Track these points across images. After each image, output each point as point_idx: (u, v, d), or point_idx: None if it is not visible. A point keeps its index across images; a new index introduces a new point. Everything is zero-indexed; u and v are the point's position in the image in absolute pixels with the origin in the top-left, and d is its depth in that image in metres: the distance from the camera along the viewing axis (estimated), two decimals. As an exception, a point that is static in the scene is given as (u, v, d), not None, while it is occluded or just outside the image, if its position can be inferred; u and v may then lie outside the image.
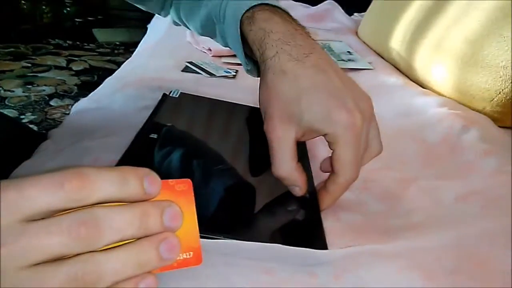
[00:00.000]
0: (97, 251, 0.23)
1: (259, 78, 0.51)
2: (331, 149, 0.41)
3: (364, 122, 0.40)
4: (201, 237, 0.27)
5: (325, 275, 0.35)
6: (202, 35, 0.59)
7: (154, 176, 0.25)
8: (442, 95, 0.77)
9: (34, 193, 0.22)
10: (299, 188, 0.43)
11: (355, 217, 0.44)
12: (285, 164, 0.41)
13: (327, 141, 0.41)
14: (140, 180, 0.24)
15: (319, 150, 0.55)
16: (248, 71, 0.53)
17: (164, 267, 0.25)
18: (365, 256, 0.38)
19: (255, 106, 0.65)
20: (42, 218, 0.22)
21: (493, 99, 0.69)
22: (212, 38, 0.58)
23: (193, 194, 0.27)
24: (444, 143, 0.60)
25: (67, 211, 0.23)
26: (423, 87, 0.81)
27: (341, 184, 0.41)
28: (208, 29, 0.55)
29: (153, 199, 0.25)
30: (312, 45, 0.43)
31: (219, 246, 0.37)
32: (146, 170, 0.25)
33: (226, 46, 0.54)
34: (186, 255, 0.26)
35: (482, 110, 0.71)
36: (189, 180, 0.27)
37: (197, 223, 0.27)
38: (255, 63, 0.51)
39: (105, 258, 0.23)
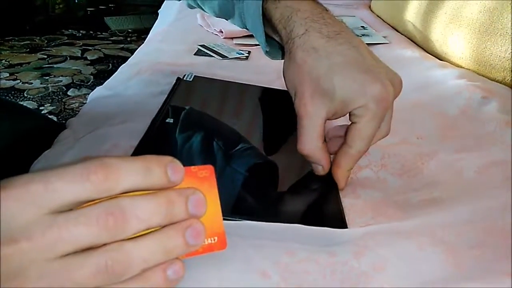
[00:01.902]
0: (124, 240, 0.23)
1: (273, 59, 0.51)
2: (353, 121, 0.40)
3: (393, 97, 0.40)
4: (223, 219, 0.27)
5: (345, 254, 0.35)
6: (218, 16, 0.58)
7: (177, 164, 0.25)
8: (460, 67, 0.75)
9: (60, 185, 0.22)
10: (322, 167, 0.42)
11: (374, 194, 0.44)
12: (312, 142, 0.41)
13: (352, 114, 0.40)
14: (163, 169, 0.25)
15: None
16: (267, 52, 0.52)
17: (190, 253, 0.26)
18: (385, 233, 0.38)
19: (269, 86, 0.65)
20: (70, 210, 0.23)
21: (514, 68, 0.66)
22: (228, 19, 0.57)
23: (215, 179, 0.27)
24: (463, 115, 0.58)
25: (93, 202, 0.23)
26: (440, 59, 0.79)
27: (353, 156, 0.41)
28: (226, 10, 0.54)
29: (176, 187, 0.25)
30: (341, 24, 0.43)
31: (241, 228, 0.37)
32: (169, 158, 0.25)
33: (244, 27, 0.53)
34: (211, 240, 0.27)
35: (502, 81, 0.69)
36: (211, 166, 0.27)
37: (220, 209, 0.27)
38: (274, 44, 0.50)
39: (132, 246, 0.23)
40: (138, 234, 0.24)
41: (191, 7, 0.64)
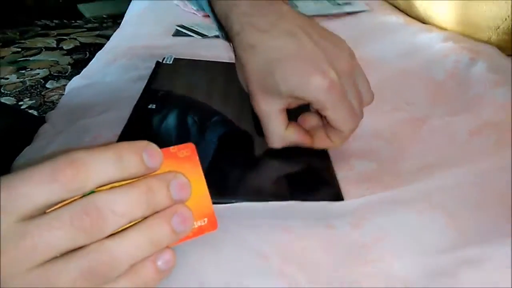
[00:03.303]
0: (106, 238, 0.22)
1: None
2: (322, 115, 0.39)
3: (343, 78, 0.38)
4: (214, 203, 0.26)
5: (343, 226, 0.35)
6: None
7: (153, 147, 0.23)
8: (446, 29, 0.73)
9: (26, 190, 0.20)
10: (306, 145, 0.42)
11: (368, 164, 0.43)
12: (278, 135, 0.41)
13: (315, 109, 0.40)
14: (138, 155, 0.23)
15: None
16: (222, 37, 0.50)
17: (181, 239, 0.24)
18: (382, 203, 0.37)
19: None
20: (43, 213, 0.21)
21: (499, 26, 0.65)
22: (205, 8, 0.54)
23: (197, 158, 0.25)
24: (452, 79, 0.57)
25: (66, 202, 0.21)
26: (425, 23, 0.78)
27: (346, 137, 0.41)
28: None
29: (156, 172, 0.24)
30: (280, 11, 0.40)
31: (233, 210, 0.36)
32: (143, 143, 0.23)
33: (201, 9, 0.51)
34: (201, 222, 0.25)
35: (488, 40, 0.68)
36: (191, 144, 0.25)
37: (206, 188, 0.25)
38: None
39: (116, 243, 0.22)
40: (121, 229, 0.22)
41: None
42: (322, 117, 0.41)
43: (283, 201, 0.37)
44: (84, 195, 0.22)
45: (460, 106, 0.52)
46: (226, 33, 0.45)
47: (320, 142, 0.42)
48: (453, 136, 0.47)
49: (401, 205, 0.37)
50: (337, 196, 0.39)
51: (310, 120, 0.43)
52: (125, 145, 0.23)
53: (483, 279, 0.30)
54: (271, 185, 0.41)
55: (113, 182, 0.22)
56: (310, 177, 0.43)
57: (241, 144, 0.46)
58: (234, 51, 0.42)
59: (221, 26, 0.46)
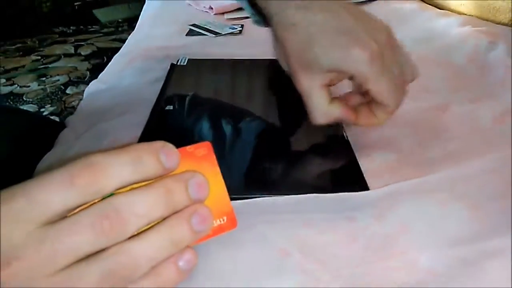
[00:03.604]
0: (127, 240, 0.22)
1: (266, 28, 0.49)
2: (365, 89, 0.39)
3: (384, 51, 0.38)
4: (232, 199, 0.26)
5: (365, 217, 0.34)
6: None
7: (170, 147, 0.23)
8: (463, 14, 0.72)
9: (44, 196, 0.20)
10: (346, 120, 0.41)
11: (389, 155, 0.42)
12: (321, 110, 0.40)
13: (357, 83, 0.39)
14: (155, 156, 0.23)
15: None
16: (256, 22, 0.50)
17: (200, 239, 0.24)
18: (404, 193, 0.36)
19: (264, 58, 0.63)
20: (63, 218, 0.21)
21: (520, 7, 0.63)
22: None
23: (214, 156, 0.25)
24: (472, 63, 0.56)
25: (86, 206, 0.21)
26: (441, 9, 0.76)
27: (391, 112, 0.40)
28: None
29: (174, 171, 0.24)
30: None
31: (253, 206, 0.36)
32: (160, 143, 0.23)
33: None
34: (220, 220, 0.25)
35: (509, 23, 0.66)
36: (208, 142, 0.25)
37: (225, 186, 0.25)
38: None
39: (137, 245, 0.22)
40: (141, 230, 0.22)
41: None
42: (365, 94, 0.41)
43: (306, 193, 0.37)
44: (103, 198, 0.22)
45: (481, 92, 0.50)
46: (262, 17, 0.46)
47: (364, 119, 0.41)
48: (475, 124, 0.46)
49: (423, 195, 0.36)
50: (363, 185, 0.38)
51: (353, 98, 0.42)
52: (142, 146, 0.23)
53: (508, 269, 0.29)
54: (291, 178, 0.41)
55: (131, 184, 0.22)
56: (332, 167, 0.43)
57: (277, 141, 0.46)
58: (273, 32, 0.42)
59: (255, 12, 0.46)
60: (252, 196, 0.37)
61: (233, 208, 0.25)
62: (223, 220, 0.25)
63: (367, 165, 0.41)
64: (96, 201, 0.22)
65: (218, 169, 0.25)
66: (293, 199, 0.37)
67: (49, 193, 0.20)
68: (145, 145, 0.23)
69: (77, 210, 0.21)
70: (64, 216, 0.21)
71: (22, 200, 0.20)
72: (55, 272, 0.20)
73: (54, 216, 0.21)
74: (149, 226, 0.23)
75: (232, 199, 0.26)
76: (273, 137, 0.46)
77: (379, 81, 0.38)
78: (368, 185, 0.39)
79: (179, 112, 0.50)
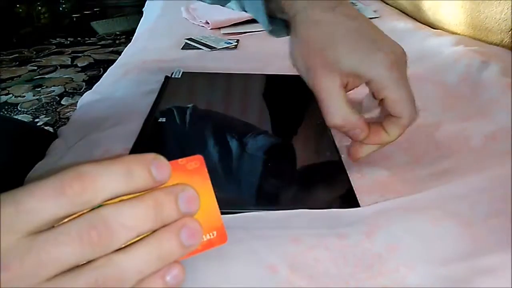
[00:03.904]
0: (114, 252, 0.21)
1: (278, 37, 0.50)
2: (382, 97, 0.39)
3: (401, 64, 0.39)
4: (222, 213, 0.25)
5: (356, 235, 0.34)
6: (213, 3, 0.56)
7: (162, 160, 0.23)
8: (456, 33, 0.73)
9: (33, 205, 0.20)
10: (360, 130, 0.40)
11: (380, 172, 0.42)
12: (340, 111, 0.39)
13: (374, 90, 0.39)
14: (146, 168, 0.22)
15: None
16: (270, 32, 0.50)
17: (189, 253, 0.24)
18: (396, 210, 0.36)
19: (258, 73, 0.64)
20: (51, 227, 0.21)
21: (511, 29, 0.64)
22: (224, 5, 0.55)
23: (206, 170, 0.25)
24: (464, 83, 0.56)
25: (74, 216, 0.21)
26: (434, 28, 0.77)
27: (405, 125, 0.40)
28: None
29: (165, 184, 0.23)
30: None
31: (243, 220, 0.35)
32: (151, 156, 0.23)
33: (242, 9, 0.52)
34: (210, 235, 0.25)
35: (500, 43, 0.67)
36: (200, 156, 0.25)
37: (215, 201, 0.25)
38: (277, 22, 0.49)
39: (124, 258, 0.21)
40: (129, 243, 0.22)
41: None
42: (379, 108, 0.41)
43: (296, 208, 0.37)
44: (92, 209, 0.21)
45: (473, 111, 0.51)
46: (278, 24, 0.47)
47: (374, 136, 0.40)
48: (467, 142, 0.46)
49: (414, 213, 0.36)
50: (353, 202, 0.38)
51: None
52: (133, 158, 0.23)
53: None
54: (284, 193, 0.41)
55: (121, 196, 0.22)
56: (323, 183, 0.42)
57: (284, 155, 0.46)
58: (293, 30, 0.42)
59: (270, 20, 0.47)
60: (242, 210, 0.36)
61: (223, 223, 0.25)
62: (213, 234, 0.25)
63: (358, 181, 0.41)
64: (85, 211, 0.21)
65: (209, 183, 0.25)
66: (283, 214, 0.36)
67: (38, 201, 0.20)
68: (137, 157, 0.23)
69: (66, 220, 0.21)
70: (52, 225, 0.21)
71: (10, 208, 0.20)
72: (40, 282, 0.20)
73: (42, 225, 0.20)
74: (138, 239, 0.22)
75: (222, 213, 0.25)
76: (281, 152, 0.46)
77: (397, 89, 0.38)
78: (359, 201, 0.38)
79: (177, 123, 0.50)
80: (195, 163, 0.25)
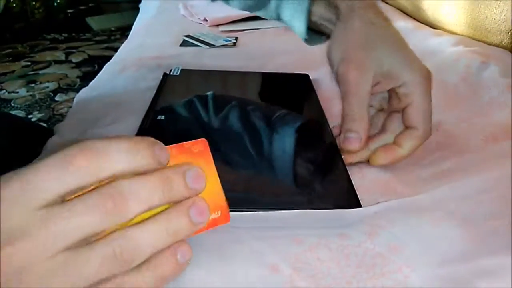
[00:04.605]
0: (128, 226, 0.22)
1: (311, 45, 0.52)
2: (406, 103, 0.41)
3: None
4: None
5: (357, 235, 0.34)
6: (243, 9, 0.58)
7: (161, 144, 0.24)
8: (456, 34, 0.73)
9: (41, 179, 0.21)
10: (357, 135, 0.41)
11: (381, 173, 0.42)
12: (360, 103, 0.41)
13: (401, 94, 0.41)
14: (151, 148, 0.23)
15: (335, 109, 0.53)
16: (306, 40, 0.52)
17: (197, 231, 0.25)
18: (397, 211, 0.36)
19: (257, 71, 0.63)
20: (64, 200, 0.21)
21: (511, 30, 0.64)
22: (254, 12, 0.57)
23: (210, 153, 0.26)
24: (464, 83, 0.56)
25: (87, 190, 0.22)
26: (434, 28, 0.77)
27: (420, 138, 0.41)
28: (260, 3, 0.54)
29: (172, 165, 0.24)
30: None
31: (245, 220, 0.35)
32: (152, 139, 0.24)
33: (275, 18, 0.54)
34: (215, 214, 0.26)
35: (500, 44, 0.67)
36: (204, 140, 0.26)
37: (219, 182, 0.26)
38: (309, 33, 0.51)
39: (138, 232, 0.22)
40: (141, 219, 0.23)
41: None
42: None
43: (298, 208, 0.36)
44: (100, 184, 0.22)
45: (474, 111, 0.51)
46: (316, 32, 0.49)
47: (389, 153, 0.42)
48: (467, 143, 0.46)
49: (416, 214, 0.36)
50: (355, 203, 0.38)
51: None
52: (138, 138, 0.23)
53: (501, 289, 0.29)
54: (283, 193, 0.40)
55: (125, 173, 0.22)
56: (325, 183, 0.42)
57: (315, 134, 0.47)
58: (346, 20, 0.44)
59: (312, 29, 0.50)
60: (243, 210, 0.36)
61: (227, 204, 0.26)
62: (217, 214, 0.26)
63: (358, 181, 0.41)
64: (93, 186, 0.22)
65: (213, 165, 0.26)
66: (285, 214, 0.36)
67: (45, 175, 0.21)
68: (142, 138, 0.24)
69: (78, 194, 0.21)
70: (62, 199, 0.21)
71: (16, 184, 0.20)
72: (57, 253, 0.20)
73: (51, 200, 0.21)
74: (150, 214, 0.23)
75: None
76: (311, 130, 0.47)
77: (423, 98, 0.40)
78: (360, 202, 0.38)
79: (198, 111, 0.50)
80: (200, 146, 0.26)
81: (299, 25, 0.50)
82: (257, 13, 0.57)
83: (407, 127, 0.42)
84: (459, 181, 0.39)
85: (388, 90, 0.43)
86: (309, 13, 0.48)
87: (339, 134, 0.44)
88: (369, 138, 0.42)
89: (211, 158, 0.26)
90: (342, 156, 0.43)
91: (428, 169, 0.42)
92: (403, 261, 0.32)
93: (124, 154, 0.22)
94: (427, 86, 0.41)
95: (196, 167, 0.25)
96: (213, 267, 0.30)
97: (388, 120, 0.44)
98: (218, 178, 0.26)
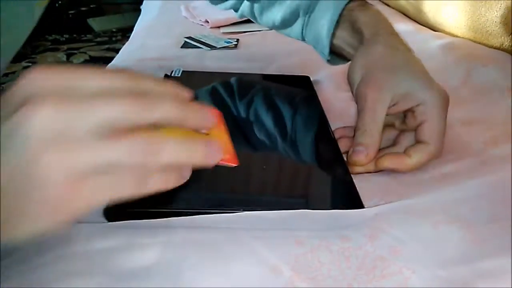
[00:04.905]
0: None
1: (333, 65, 0.55)
2: (421, 121, 0.41)
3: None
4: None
5: (358, 237, 0.34)
6: (271, 28, 0.61)
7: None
8: (456, 36, 0.73)
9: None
10: (367, 153, 0.41)
11: (382, 175, 0.42)
12: (376, 121, 0.41)
13: (418, 113, 0.41)
14: (200, 111, 0.27)
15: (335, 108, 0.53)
16: (328, 61, 0.54)
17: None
18: (397, 213, 0.36)
19: (258, 73, 0.64)
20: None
21: None
22: (280, 31, 0.60)
23: (224, 123, 0.29)
24: (465, 86, 0.57)
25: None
26: (435, 30, 0.77)
27: (430, 154, 0.41)
28: (288, 22, 0.57)
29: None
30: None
31: (245, 220, 0.35)
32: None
33: (299, 38, 0.57)
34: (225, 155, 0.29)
35: (500, 47, 0.67)
36: (218, 111, 0.28)
37: (229, 138, 0.29)
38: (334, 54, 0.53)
39: (163, 137, 0.24)
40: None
41: (242, 16, 0.64)
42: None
43: (300, 209, 0.36)
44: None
45: (474, 114, 0.51)
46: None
47: (396, 160, 0.42)
48: (468, 146, 0.46)
49: (416, 216, 0.36)
50: (358, 203, 0.38)
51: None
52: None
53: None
54: (284, 193, 0.40)
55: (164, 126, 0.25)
56: (327, 184, 0.42)
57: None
58: (369, 44, 0.45)
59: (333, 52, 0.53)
60: (244, 209, 0.36)
61: (235, 151, 0.29)
62: (227, 155, 0.29)
63: (358, 184, 0.41)
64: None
65: (224, 129, 0.29)
66: (285, 214, 0.36)
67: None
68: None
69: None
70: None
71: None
72: (87, 131, 0.22)
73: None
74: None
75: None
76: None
77: (439, 118, 0.41)
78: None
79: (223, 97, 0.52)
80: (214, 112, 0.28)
81: (322, 47, 0.53)
82: (280, 31, 0.59)
83: (418, 141, 0.42)
84: (460, 184, 0.39)
85: (405, 110, 0.43)
86: (333, 36, 0.51)
87: (340, 138, 0.45)
88: (379, 151, 0.42)
89: (225, 128, 0.29)
90: (348, 167, 0.43)
91: (429, 172, 0.43)
92: (404, 263, 0.32)
93: (174, 105, 0.25)
94: (445, 107, 0.42)
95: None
96: (212, 268, 0.30)
97: (400, 136, 0.44)
98: (228, 137, 0.29)
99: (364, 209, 0.37)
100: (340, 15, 0.49)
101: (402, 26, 0.80)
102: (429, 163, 0.44)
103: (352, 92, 0.45)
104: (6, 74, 2.10)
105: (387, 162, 0.42)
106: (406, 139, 0.43)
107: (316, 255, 0.32)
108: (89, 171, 0.22)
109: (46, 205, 0.22)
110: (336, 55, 0.53)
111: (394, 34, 0.46)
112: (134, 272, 0.29)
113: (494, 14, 0.65)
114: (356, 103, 0.43)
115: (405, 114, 0.44)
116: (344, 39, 0.50)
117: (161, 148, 0.24)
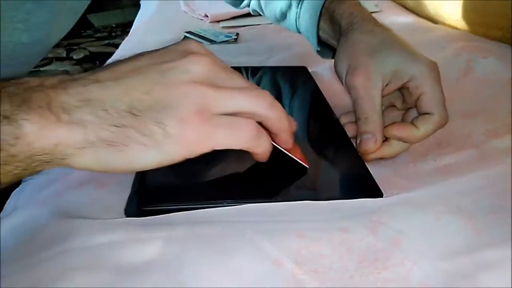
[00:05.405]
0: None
1: (323, 58, 0.56)
2: (418, 94, 0.41)
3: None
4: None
5: (360, 229, 0.34)
6: (273, 20, 0.62)
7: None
8: (456, 29, 0.72)
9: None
10: (375, 139, 0.41)
11: (382, 169, 0.42)
12: (373, 107, 0.42)
13: (412, 88, 0.42)
14: (276, 105, 0.33)
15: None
16: (318, 52, 0.55)
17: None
18: (398, 205, 0.36)
19: (258, 66, 0.64)
20: None
21: (512, 24, 0.64)
22: (279, 24, 0.61)
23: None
24: (465, 78, 0.56)
25: None
26: (435, 23, 0.77)
27: (436, 123, 0.42)
28: (284, 15, 0.58)
29: None
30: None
31: (246, 213, 0.35)
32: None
33: (295, 30, 0.57)
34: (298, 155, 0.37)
35: (501, 39, 0.67)
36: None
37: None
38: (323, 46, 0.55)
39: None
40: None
41: (254, 11, 0.65)
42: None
43: (325, 199, 0.37)
44: None
45: (474, 107, 0.51)
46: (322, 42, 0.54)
47: (403, 130, 0.42)
48: (468, 138, 0.46)
49: (418, 208, 0.36)
50: (377, 192, 0.38)
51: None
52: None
53: (503, 282, 0.29)
54: (287, 183, 0.40)
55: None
56: (343, 173, 0.42)
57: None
58: (346, 35, 0.46)
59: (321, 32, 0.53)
60: (251, 202, 0.36)
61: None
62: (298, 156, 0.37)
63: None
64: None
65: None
66: (286, 206, 0.36)
67: None
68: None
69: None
70: None
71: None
72: (227, 85, 0.30)
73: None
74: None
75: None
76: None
77: (435, 87, 0.41)
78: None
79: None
80: None
81: (312, 39, 0.54)
82: (282, 25, 0.60)
83: (422, 113, 0.42)
84: (461, 176, 0.40)
85: (400, 89, 0.44)
86: (318, 28, 0.52)
87: (345, 124, 0.46)
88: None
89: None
90: (361, 156, 0.43)
91: (429, 164, 0.43)
92: (405, 254, 0.32)
93: (249, 98, 0.31)
94: (436, 76, 0.42)
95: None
96: (214, 262, 0.30)
97: (406, 114, 0.45)
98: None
99: (365, 201, 0.37)
100: (323, 7, 0.51)
101: (402, 19, 0.80)
102: (429, 155, 0.44)
103: (343, 84, 0.45)
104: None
105: (395, 131, 0.42)
106: (412, 116, 0.44)
107: (318, 248, 0.32)
108: (218, 112, 0.28)
109: (173, 128, 0.27)
110: (327, 47, 0.54)
111: (368, 19, 0.47)
112: (135, 267, 0.29)
113: (494, 7, 0.65)
114: (349, 93, 0.44)
115: (402, 93, 0.44)
116: (326, 31, 0.52)
117: (277, 104, 0.31)
